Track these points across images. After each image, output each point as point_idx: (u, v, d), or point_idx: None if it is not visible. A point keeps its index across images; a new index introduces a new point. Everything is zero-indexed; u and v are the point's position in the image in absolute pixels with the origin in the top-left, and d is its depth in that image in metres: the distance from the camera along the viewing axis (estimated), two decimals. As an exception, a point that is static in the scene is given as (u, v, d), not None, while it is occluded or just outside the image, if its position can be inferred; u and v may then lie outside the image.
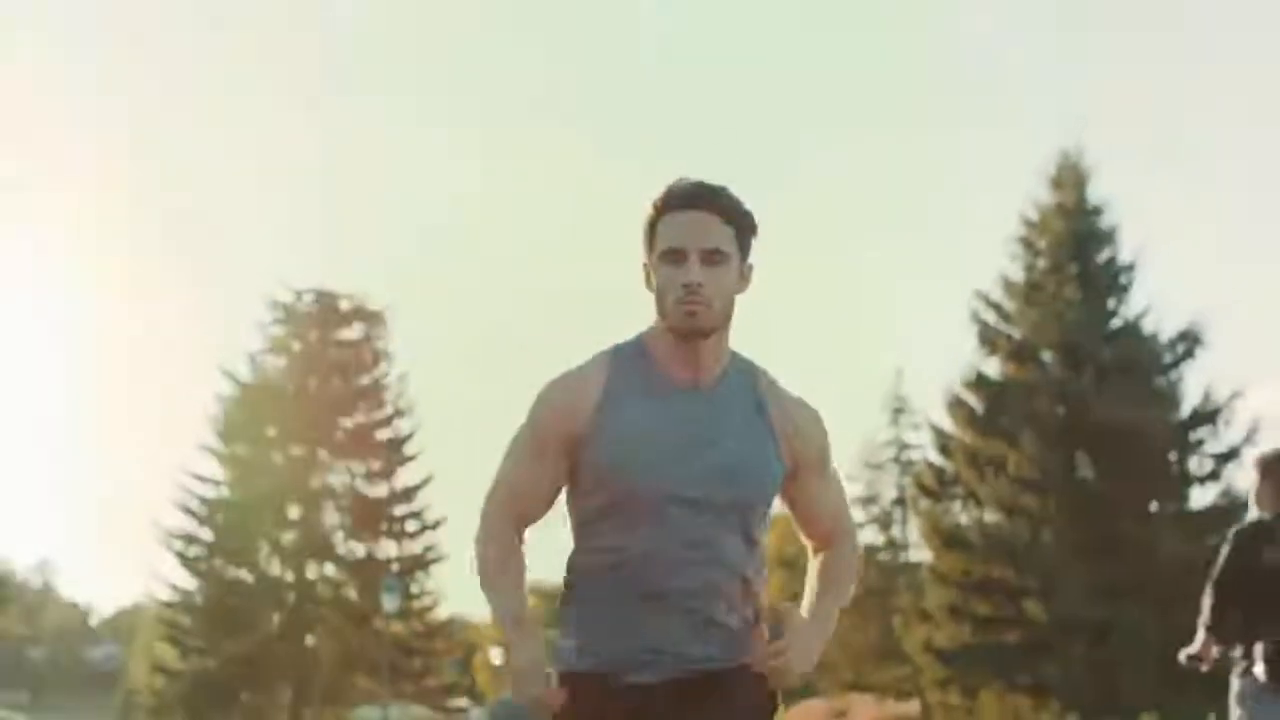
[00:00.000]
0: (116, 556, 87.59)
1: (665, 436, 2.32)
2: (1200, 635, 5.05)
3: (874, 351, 73.43)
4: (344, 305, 32.12)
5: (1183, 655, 5.14)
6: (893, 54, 78.78)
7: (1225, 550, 5.10)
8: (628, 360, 2.38)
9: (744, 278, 2.37)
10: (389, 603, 25.52)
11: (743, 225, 2.35)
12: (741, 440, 2.34)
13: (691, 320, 2.29)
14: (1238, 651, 4.97)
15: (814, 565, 2.54)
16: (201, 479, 30.44)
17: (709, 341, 2.33)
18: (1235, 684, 4.99)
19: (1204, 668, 5.08)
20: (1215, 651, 5.01)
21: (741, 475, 2.33)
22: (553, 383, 2.39)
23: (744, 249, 2.36)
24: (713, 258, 2.29)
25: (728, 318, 2.35)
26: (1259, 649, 4.87)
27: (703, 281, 2.27)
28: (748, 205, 2.37)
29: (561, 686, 2.35)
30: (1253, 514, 5.21)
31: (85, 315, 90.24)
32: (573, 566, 2.42)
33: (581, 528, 2.39)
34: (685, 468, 2.31)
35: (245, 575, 30.37)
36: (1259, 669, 4.87)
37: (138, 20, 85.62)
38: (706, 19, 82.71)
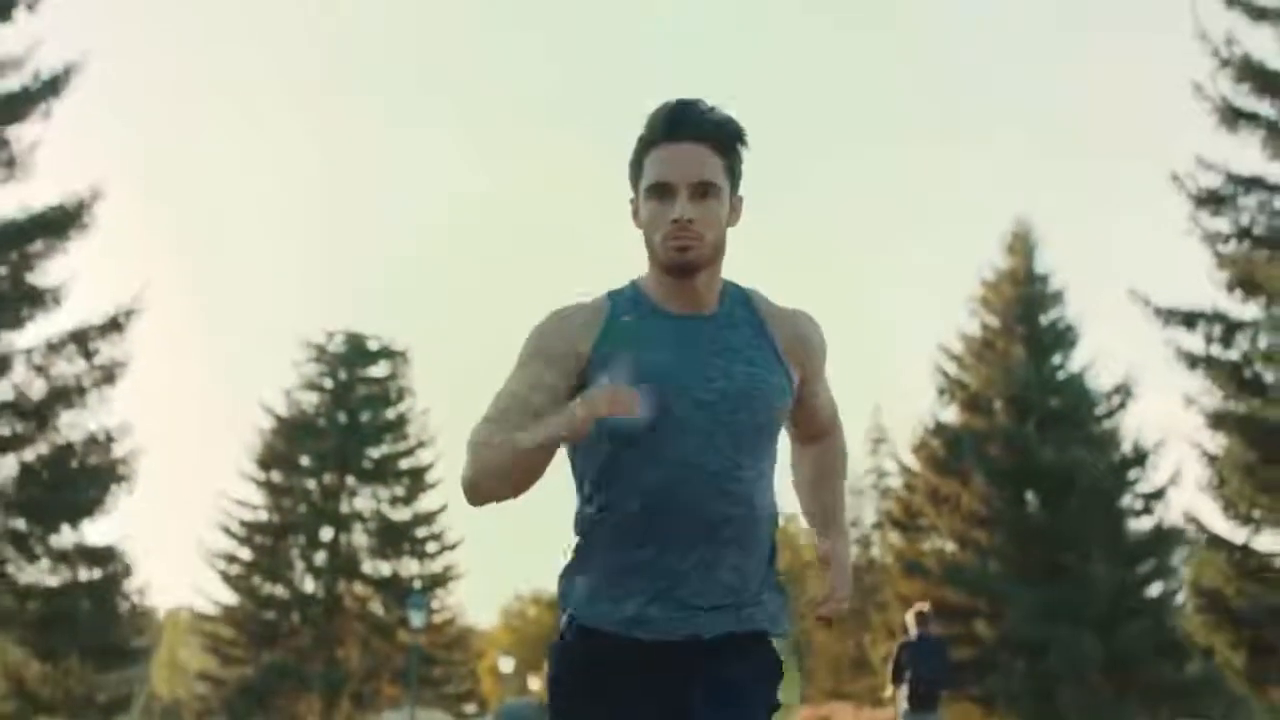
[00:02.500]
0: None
1: (676, 361, 2.15)
2: (890, 687, 9.82)
3: (861, 378, 75.34)
4: (371, 345, 34.41)
5: (883, 696, 9.92)
6: (892, 79, 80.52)
7: (895, 651, 9.89)
8: (625, 299, 2.24)
9: (735, 209, 2.22)
10: (416, 618, 26.92)
11: (735, 154, 2.20)
12: (751, 363, 2.18)
13: (682, 256, 2.14)
14: (901, 694, 9.67)
15: (808, 456, 2.46)
16: (241, 504, 32.63)
17: (702, 276, 2.19)
18: (898, 713, 9.58)
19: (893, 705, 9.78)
20: (897, 694, 9.71)
21: (756, 397, 2.18)
22: (554, 310, 2.23)
23: (735, 179, 2.21)
24: (702, 191, 2.14)
25: (719, 252, 2.20)
26: (903, 691, 10.25)
27: (693, 217, 2.13)
28: (739, 127, 2.20)
29: (568, 640, 2.23)
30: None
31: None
32: (583, 512, 2.23)
33: (600, 470, 2.19)
34: (700, 391, 2.15)
35: (281, 591, 32.52)
36: (904, 705, 10.17)
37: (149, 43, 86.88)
38: (708, 22, 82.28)
